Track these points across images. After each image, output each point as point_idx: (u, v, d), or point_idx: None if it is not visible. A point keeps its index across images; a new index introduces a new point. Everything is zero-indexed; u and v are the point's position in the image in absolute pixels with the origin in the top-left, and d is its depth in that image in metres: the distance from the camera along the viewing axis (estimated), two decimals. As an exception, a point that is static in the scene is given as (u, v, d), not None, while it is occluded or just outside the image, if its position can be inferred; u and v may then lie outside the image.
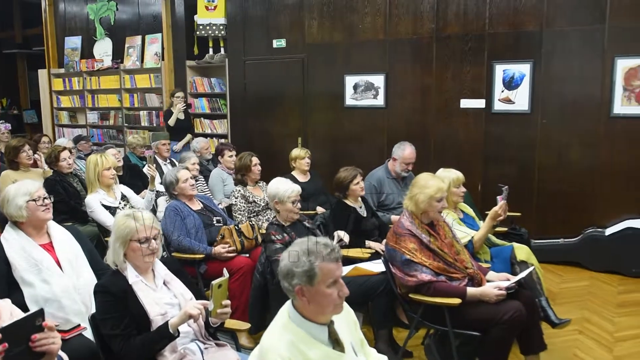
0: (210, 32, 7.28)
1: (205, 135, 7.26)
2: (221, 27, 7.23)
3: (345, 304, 1.93)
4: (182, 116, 6.78)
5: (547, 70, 5.29)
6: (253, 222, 4.05)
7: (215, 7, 7.21)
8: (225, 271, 2.31)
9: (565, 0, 5.14)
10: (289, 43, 6.67)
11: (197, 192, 4.10)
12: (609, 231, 5.05)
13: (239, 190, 4.45)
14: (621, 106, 5.01)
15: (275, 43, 6.76)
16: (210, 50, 7.49)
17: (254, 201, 4.41)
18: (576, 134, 5.24)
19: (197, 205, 3.97)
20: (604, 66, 5.04)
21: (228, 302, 2.29)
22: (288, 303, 1.91)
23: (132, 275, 2.34)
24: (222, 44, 7.43)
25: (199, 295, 2.53)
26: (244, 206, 4.37)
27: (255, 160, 4.55)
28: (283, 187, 3.43)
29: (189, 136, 6.84)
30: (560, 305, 4.25)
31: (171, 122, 6.74)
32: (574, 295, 4.55)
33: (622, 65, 4.96)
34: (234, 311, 3.52)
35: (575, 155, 5.27)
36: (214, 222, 3.93)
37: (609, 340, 3.74)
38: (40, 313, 1.59)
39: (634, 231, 4.90)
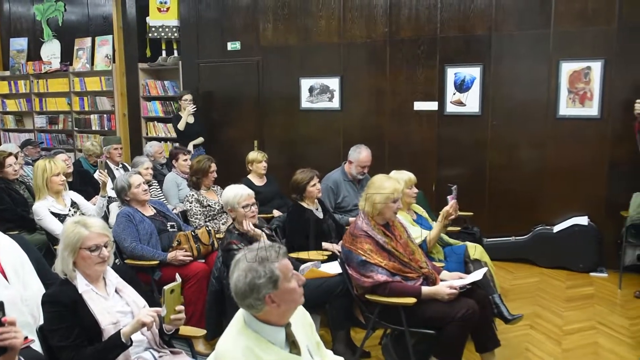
0: (163, 34, 7.16)
1: (159, 139, 7.13)
2: (174, 29, 7.12)
3: (300, 307, 1.94)
4: (191, 120, 6.47)
5: (497, 73, 5.45)
6: (210, 227, 4.00)
7: (167, 8, 7.10)
8: (177, 276, 2.28)
9: (513, 6, 5.31)
10: (243, 46, 6.63)
11: (150, 198, 4.01)
12: (556, 228, 5.23)
13: (193, 195, 4.39)
14: (566, 108, 5.21)
15: (230, 46, 6.71)
16: (163, 52, 7.37)
17: (209, 205, 4.36)
18: (524, 134, 5.41)
19: (150, 211, 3.90)
20: (550, 69, 5.23)
21: (182, 307, 2.25)
22: (247, 316, 1.88)
23: (82, 284, 2.27)
24: (175, 46, 7.32)
25: (153, 303, 2.48)
26: (198, 210, 4.32)
27: (213, 166, 4.52)
28: (234, 193, 3.38)
29: (201, 138, 6.58)
30: (512, 301, 4.37)
31: (181, 126, 6.40)
32: (525, 291, 4.69)
33: (567, 68, 5.16)
34: (190, 318, 3.49)
35: (524, 156, 5.44)
36: (168, 227, 3.86)
37: (558, 334, 3.88)
38: (1, 307, 1.55)
39: (580, 228, 5.09)
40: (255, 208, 3.43)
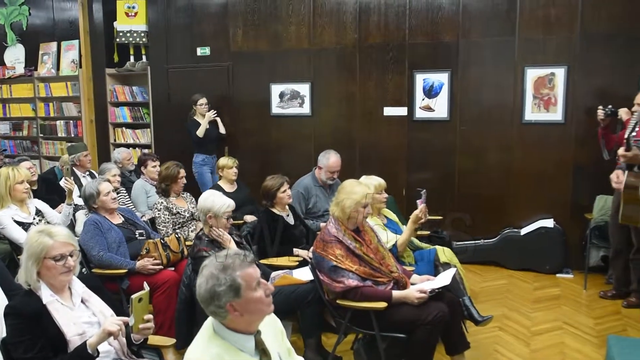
0: (131, 39, 7.07)
1: (127, 146, 7.02)
2: (142, 34, 7.03)
3: (271, 314, 1.93)
4: (208, 125, 6.20)
5: (464, 79, 5.54)
6: (179, 235, 3.95)
7: (135, 13, 7.02)
8: (145, 284, 2.25)
9: (479, 13, 5.41)
10: (213, 51, 6.60)
11: (118, 205, 3.95)
12: (524, 231, 5.33)
13: (162, 203, 4.33)
14: (531, 113, 5.33)
15: (200, 51, 6.66)
16: (132, 57, 7.27)
17: (178, 212, 4.31)
18: (492, 139, 5.51)
19: (118, 219, 3.83)
20: (516, 75, 5.34)
21: (150, 316, 2.22)
22: (214, 324, 1.86)
23: (46, 295, 2.22)
24: (143, 52, 7.22)
25: (120, 313, 2.44)
26: (168, 218, 4.26)
27: (182, 172, 4.47)
28: (219, 202, 3.33)
29: (225, 148, 6.38)
30: (481, 303, 4.44)
31: (200, 132, 6.08)
32: (494, 293, 4.77)
33: (532, 74, 5.28)
34: (160, 327, 3.45)
35: (492, 160, 5.54)
36: (137, 235, 3.80)
37: (526, 334, 3.95)
38: None
39: (547, 230, 5.21)
40: (230, 220, 3.42)
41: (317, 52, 6.09)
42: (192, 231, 4.27)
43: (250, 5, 6.32)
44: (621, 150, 3.02)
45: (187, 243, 3.89)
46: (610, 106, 4.43)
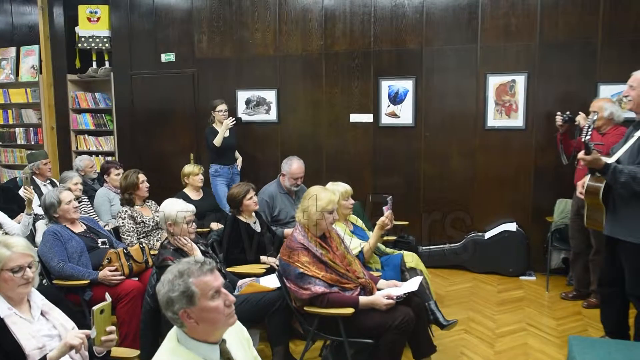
0: (93, 44, 6.94)
1: (89, 153, 6.88)
2: (105, 40, 6.92)
3: (237, 322, 1.91)
4: (227, 133, 5.76)
5: (428, 86, 5.63)
6: (143, 244, 3.88)
7: (98, 18, 6.90)
8: (107, 295, 2.20)
9: (442, 22, 5.51)
10: (178, 57, 6.53)
11: (80, 215, 3.86)
12: (487, 235, 5.44)
13: (126, 211, 4.25)
14: (493, 119, 5.45)
15: (164, 57, 6.59)
16: (94, 63, 7.13)
17: (143, 221, 4.24)
18: (455, 145, 5.61)
19: (79, 228, 3.74)
20: (478, 82, 5.46)
21: (113, 328, 2.17)
22: (178, 331, 1.85)
23: (3, 308, 2.16)
24: (106, 57, 7.10)
25: (83, 325, 2.38)
26: (132, 227, 4.18)
27: (142, 177, 4.37)
28: (176, 208, 3.30)
29: (240, 158, 6.02)
30: (447, 307, 4.50)
31: (218, 142, 5.59)
32: (459, 297, 4.83)
33: (493, 81, 5.40)
34: (124, 338, 3.38)
35: (456, 165, 5.63)
36: (99, 244, 3.72)
37: (491, 336, 4.02)
38: None
39: (510, 234, 5.32)
40: (194, 225, 3.38)
41: (283, 59, 6.09)
42: (157, 240, 4.20)
43: (215, 12, 6.29)
44: (581, 154, 3.08)
45: (153, 252, 3.83)
46: (568, 112, 4.57)
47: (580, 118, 4.56)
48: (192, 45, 6.44)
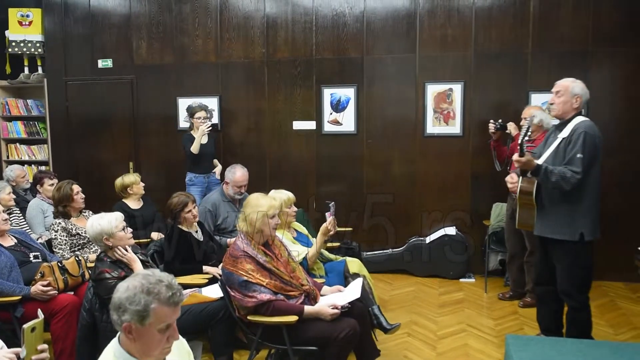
0: (25, 49, 6.65)
1: (21, 163, 6.57)
2: (38, 45, 6.64)
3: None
4: (204, 140, 5.51)
5: (370, 94, 5.73)
6: (80, 257, 3.73)
7: (30, 22, 6.62)
8: (39, 312, 2.10)
9: (382, 31, 5.63)
10: (116, 63, 6.36)
11: (10, 227, 3.67)
12: (428, 239, 5.57)
13: (59, 223, 4.06)
14: (432, 126, 5.60)
15: (101, 63, 6.40)
16: (26, 69, 6.83)
17: (78, 233, 4.07)
18: (396, 152, 5.73)
19: (9, 241, 3.56)
20: (417, 90, 5.60)
21: (44, 346, 2.08)
22: (114, 341, 1.80)
23: None
24: (39, 63, 6.82)
25: (14, 344, 2.27)
26: (65, 240, 4.00)
27: (76, 188, 4.20)
28: (105, 221, 3.15)
29: (219, 166, 5.75)
30: (391, 311, 4.57)
31: (195, 149, 5.37)
32: (402, 301, 4.92)
33: (432, 90, 5.56)
34: (59, 355, 3.26)
35: (397, 171, 5.75)
36: (31, 258, 3.55)
37: (433, 338, 4.11)
38: None
39: (450, 237, 5.47)
40: (129, 229, 3.28)
41: (225, 66, 6.05)
42: (93, 252, 4.05)
43: (154, 18, 6.17)
44: (515, 156, 3.25)
45: (90, 265, 3.69)
46: (500, 120, 4.77)
47: (511, 127, 4.77)
48: (130, 51, 6.28)
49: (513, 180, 3.50)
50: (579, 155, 3.20)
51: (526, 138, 3.25)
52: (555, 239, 3.36)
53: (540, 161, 3.31)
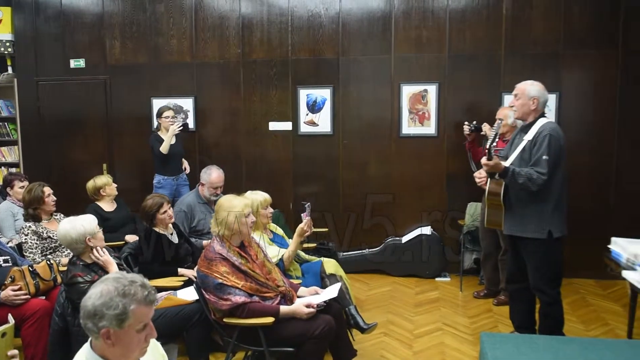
0: (-6, 49, 6.51)
1: (-9, 165, 6.44)
2: (7, 44, 6.50)
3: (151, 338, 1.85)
4: (173, 140, 5.42)
5: (345, 95, 5.74)
6: (51, 261, 3.66)
7: (0, 21, 6.48)
8: (10, 317, 2.06)
9: (357, 32, 5.65)
10: (88, 63, 6.26)
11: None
12: (405, 239, 5.61)
13: (29, 227, 3.98)
14: (408, 127, 5.64)
15: (73, 63, 6.29)
16: (-5, 69, 6.69)
17: (50, 237, 3.99)
18: (373, 152, 5.75)
19: (-23, 246, 3.48)
20: (392, 91, 5.64)
21: (14, 352, 2.04)
22: (86, 346, 1.76)
23: None
24: (9, 62, 6.67)
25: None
26: (36, 243, 3.93)
27: (47, 190, 4.13)
28: (86, 222, 3.11)
29: (185, 162, 5.66)
30: (367, 311, 4.59)
31: (164, 149, 5.28)
32: (379, 300, 4.94)
33: (407, 91, 5.60)
34: (30, 360, 3.17)
35: (373, 172, 5.78)
36: (1, 262, 3.46)
37: (409, 338, 4.14)
38: None
39: (425, 237, 5.51)
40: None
41: (200, 66, 6.00)
42: (65, 256, 3.98)
43: (128, 17, 6.09)
44: (484, 160, 3.32)
45: (62, 268, 3.62)
46: (474, 122, 4.83)
47: (486, 128, 4.83)
48: (103, 51, 6.19)
49: (481, 175, 3.57)
50: (544, 157, 3.30)
51: (494, 144, 3.32)
52: (525, 237, 3.44)
53: (507, 163, 3.40)
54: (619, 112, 5.27)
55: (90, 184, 4.80)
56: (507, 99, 5.27)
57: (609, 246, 3.54)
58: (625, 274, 3.17)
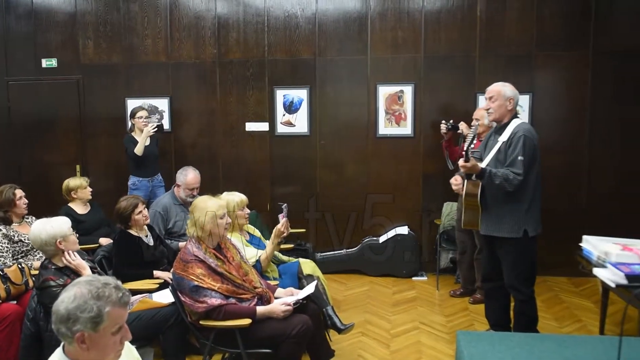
0: (-39, 48, 6.34)
1: (-41, 167, 6.26)
2: (-24, 43, 6.35)
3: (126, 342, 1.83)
4: (147, 141, 5.33)
5: (322, 96, 5.75)
6: (23, 265, 3.58)
7: (-33, 20, 6.32)
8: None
9: (334, 33, 5.66)
10: (61, 63, 6.14)
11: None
12: (382, 239, 5.63)
13: (0, 230, 3.89)
14: (384, 128, 5.67)
15: (45, 63, 6.17)
16: (-37, 68, 6.52)
17: (21, 240, 3.91)
18: (349, 153, 5.77)
19: (-55, 250, 3.39)
20: (369, 92, 5.66)
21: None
22: (58, 351, 1.73)
23: None
24: (-22, 62, 6.52)
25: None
26: (6, 247, 3.83)
27: (19, 193, 4.04)
28: (57, 224, 3.06)
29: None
30: (345, 311, 4.60)
31: (139, 150, 5.20)
32: (356, 301, 4.96)
33: (383, 91, 5.63)
34: (1, 367, 3.10)
35: (350, 172, 5.79)
36: (-30, 268, 3.39)
37: (386, 337, 4.16)
38: None
39: (402, 237, 5.55)
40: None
41: (175, 66, 5.94)
42: (37, 259, 3.90)
43: (101, 16, 6.00)
44: (461, 162, 3.36)
45: (33, 272, 3.55)
46: (451, 121, 4.88)
47: (463, 127, 4.88)
48: (76, 50, 6.09)
49: (457, 182, 3.62)
50: (519, 158, 3.35)
51: (472, 145, 3.36)
52: (501, 237, 3.48)
53: (482, 164, 3.44)
54: (590, 113, 5.38)
55: (64, 183, 4.73)
56: (482, 99, 5.33)
57: (580, 244, 3.60)
58: (596, 271, 3.22)
